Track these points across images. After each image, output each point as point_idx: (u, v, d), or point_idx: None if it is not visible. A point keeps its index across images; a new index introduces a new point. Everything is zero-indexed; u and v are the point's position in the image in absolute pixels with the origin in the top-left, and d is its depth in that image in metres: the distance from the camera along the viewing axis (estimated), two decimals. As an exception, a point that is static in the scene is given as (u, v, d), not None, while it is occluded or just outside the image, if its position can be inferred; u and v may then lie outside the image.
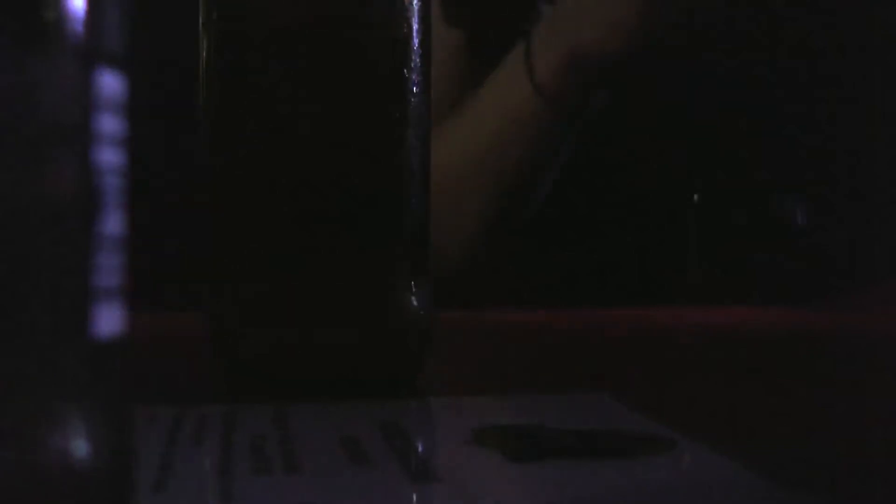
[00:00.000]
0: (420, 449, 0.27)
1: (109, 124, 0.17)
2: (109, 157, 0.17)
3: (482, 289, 0.76)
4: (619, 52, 0.63)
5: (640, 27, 0.61)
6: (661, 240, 0.72)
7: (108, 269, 0.17)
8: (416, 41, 0.34)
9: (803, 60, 0.69)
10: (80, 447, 0.16)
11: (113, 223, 0.17)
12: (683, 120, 0.71)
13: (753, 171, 0.71)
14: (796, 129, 0.70)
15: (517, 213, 0.72)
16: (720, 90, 0.71)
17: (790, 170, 0.70)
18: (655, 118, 0.71)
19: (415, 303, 0.34)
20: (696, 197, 0.71)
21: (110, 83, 0.17)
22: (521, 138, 0.67)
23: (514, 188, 0.69)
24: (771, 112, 0.70)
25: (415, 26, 0.34)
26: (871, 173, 0.70)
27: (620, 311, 0.59)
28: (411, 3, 0.34)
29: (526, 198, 0.71)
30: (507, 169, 0.68)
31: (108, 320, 0.17)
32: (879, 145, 0.70)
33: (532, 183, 0.69)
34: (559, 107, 0.65)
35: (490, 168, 0.69)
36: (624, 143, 0.68)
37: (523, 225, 0.75)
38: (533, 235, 0.77)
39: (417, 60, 0.34)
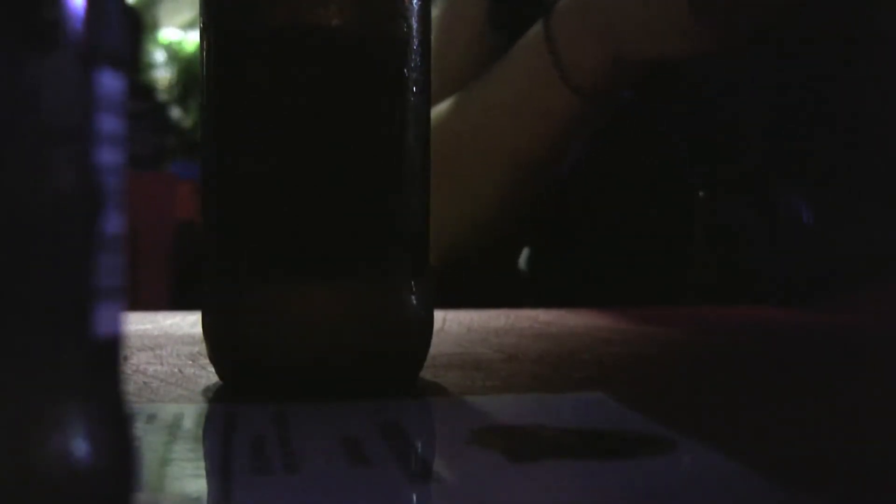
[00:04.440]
0: (420, 449, 0.27)
1: (109, 124, 0.17)
2: (109, 157, 0.17)
3: (484, 288, 0.76)
4: (672, 55, 0.60)
5: (691, 31, 0.58)
6: (665, 238, 0.72)
7: (108, 269, 0.17)
8: (416, 41, 0.34)
9: (808, 59, 0.69)
10: (80, 447, 0.16)
11: (113, 223, 0.17)
12: (688, 117, 0.71)
13: (758, 169, 0.71)
14: (801, 128, 0.70)
15: (531, 196, 0.70)
16: (725, 87, 0.71)
17: (795, 169, 0.70)
18: (659, 115, 0.71)
19: (415, 303, 0.34)
20: (701, 194, 0.70)
21: (110, 83, 0.17)
22: (540, 121, 0.65)
23: (530, 168, 0.68)
24: (776, 111, 0.70)
25: (415, 26, 0.34)
26: (874, 173, 0.70)
27: (623, 310, 0.59)
28: (411, 3, 0.34)
29: (541, 181, 0.69)
30: (522, 147, 0.67)
31: (108, 320, 0.17)
32: (883, 145, 0.70)
33: (549, 165, 0.68)
34: (596, 103, 0.64)
35: (505, 146, 0.67)
36: (627, 139, 0.68)
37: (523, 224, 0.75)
38: (534, 234, 0.78)
39: (417, 60, 0.34)
